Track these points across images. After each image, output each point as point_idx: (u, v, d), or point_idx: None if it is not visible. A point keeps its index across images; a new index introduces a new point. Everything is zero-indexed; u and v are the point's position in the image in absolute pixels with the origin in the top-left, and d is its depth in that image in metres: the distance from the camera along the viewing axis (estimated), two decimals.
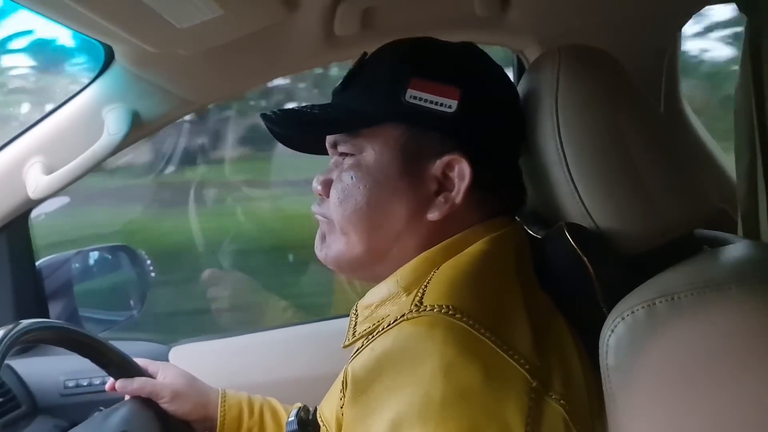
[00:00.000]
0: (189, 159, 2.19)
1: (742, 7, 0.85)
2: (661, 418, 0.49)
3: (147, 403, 0.86)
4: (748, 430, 0.45)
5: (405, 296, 0.61)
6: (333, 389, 0.77)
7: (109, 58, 1.00)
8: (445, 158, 0.62)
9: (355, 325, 0.64)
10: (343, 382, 0.57)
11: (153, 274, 1.49)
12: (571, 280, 0.60)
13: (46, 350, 1.16)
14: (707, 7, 1.17)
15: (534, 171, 0.66)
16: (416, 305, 0.56)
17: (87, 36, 0.86)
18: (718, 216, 0.95)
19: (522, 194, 0.68)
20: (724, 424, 0.46)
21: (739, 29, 0.88)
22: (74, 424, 0.84)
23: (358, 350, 0.60)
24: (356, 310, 0.66)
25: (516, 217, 0.69)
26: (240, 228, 2.23)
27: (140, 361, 0.90)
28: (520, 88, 0.68)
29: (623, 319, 0.52)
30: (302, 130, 0.68)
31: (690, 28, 1.41)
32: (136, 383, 0.85)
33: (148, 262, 1.43)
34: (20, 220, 1.12)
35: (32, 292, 1.17)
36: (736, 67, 0.86)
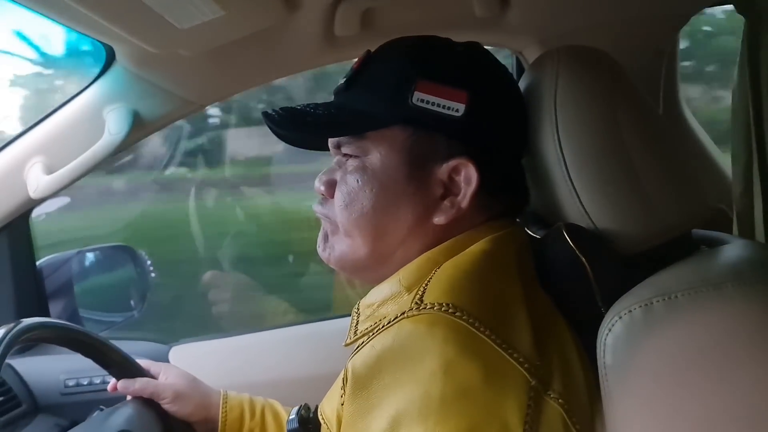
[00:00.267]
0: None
1: (739, 9, 0.85)
2: (658, 416, 0.49)
3: (148, 403, 0.86)
4: (744, 428, 0.45)
5: (406, 295, 0.61)
6: (334, 387, 0.77)
7: (110, 59, 1.00)
8: (452, 162, 0.61)
9: (357, 324, 0.64)
10: (343, 378, 0.57)
11: (153, 275, 1.50)
12: (570, 280, 0.61)
13: (47, 349, 1.16)
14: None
15: (533, 171, 0.66)
16: (417, 303, 0.56)
17: (88, 36, 0.87)
18: (716, 216, 0.96)
19: (526, 196, 0.68)
20: (721, 421, 0.47)
21: None
22: (75, 423, 0.85)
23: (358, 347, 0.60)
24: (358, 309, 0.66)
25: (516, 218, 0.69)
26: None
27: (142, 362, 0.90)
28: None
29: (620, 318, 0.53)
30: (308, 133, 0.67)
31: None
32: (138, 383, 0.86)
33: (149, 262, 1.43)
34: (21, 219, 1.12)
35: (33, 291, 1.17)
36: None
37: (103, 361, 0.86)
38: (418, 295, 0.57)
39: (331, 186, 0.66)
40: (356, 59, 0.66)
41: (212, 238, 2.05)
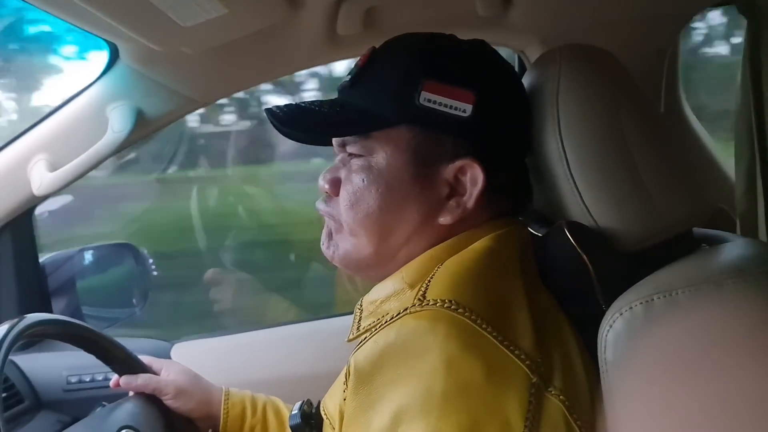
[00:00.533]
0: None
1: (741, 10, 0.85)
2: (658, 411, 0.50)
3: (151, 399, 0.86)
4: (744, 423, 0.46)
5: (409, 291, 0.61)
6: (336, 383, 0.78)
7: (113, 56, 1.01)
8: (458, 162, 0.61)
9: (360, 320, 0.64)
10: (346, 374, 0.58)
11: (155, 273, 1.50)
12: (571, 277, 0.61)
13: (49, 346, 1.16)
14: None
15: (535, 169, 0.66)
16: (419, 300, 0.57)
17: (92, 34, 0.87)
18: (717, 215, 0.96)
19: (529, 194, 0.68)
20: (721, 417, 0.47)
21: None
22: (77, 420, 0.85)
23: (361, 343, 0.60)
24: (361, 306, 0.66)
25: (519, 216, 0.69)
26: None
27: (144, 358, 0.90)
28: None
29: (621, 314, 0.53)
30: (313, 131, 0.66)
31: None
32: (141, 379, 0.86)
33: (150, 260, 1.44)
34: (24, 216, 1.13)
35: (36, 288, 1.17)
36: None
37: (105, 357, 0.86)
38: (420, 292, 0.58)
39: (336, 184, 0.65)
40: (360, 56, 0.66)
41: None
